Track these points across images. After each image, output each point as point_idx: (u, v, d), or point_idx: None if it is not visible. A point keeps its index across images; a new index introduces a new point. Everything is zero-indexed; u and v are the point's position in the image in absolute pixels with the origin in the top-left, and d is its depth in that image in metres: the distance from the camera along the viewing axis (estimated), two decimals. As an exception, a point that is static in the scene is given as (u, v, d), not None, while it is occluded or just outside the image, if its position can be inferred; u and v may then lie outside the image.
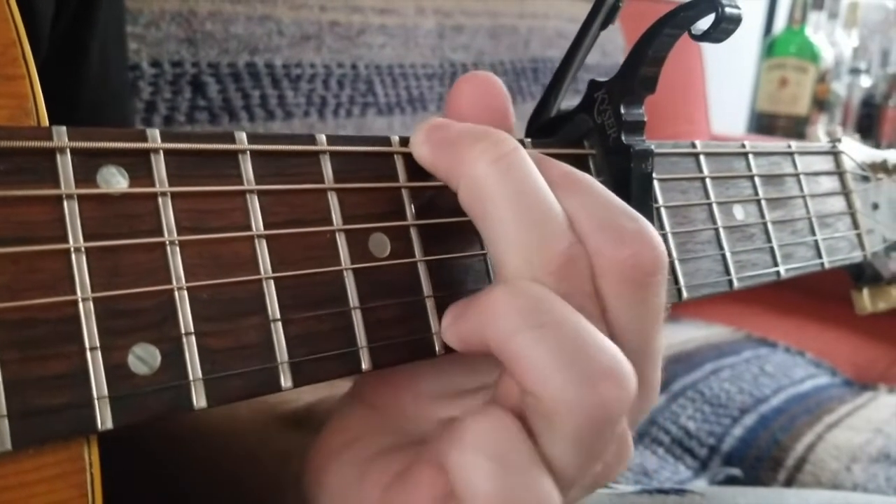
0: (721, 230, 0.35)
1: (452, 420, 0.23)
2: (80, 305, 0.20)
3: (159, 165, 0.22)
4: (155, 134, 0.22)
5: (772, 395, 0.88)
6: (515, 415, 0.23)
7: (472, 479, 0.22)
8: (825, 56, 1.66)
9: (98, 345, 0.20)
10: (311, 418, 0.35)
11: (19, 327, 0.19)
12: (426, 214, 0.26)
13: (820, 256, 0.40)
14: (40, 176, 0.20)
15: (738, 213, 0.36)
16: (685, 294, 0.32)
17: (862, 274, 0.47)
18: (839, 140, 0.45)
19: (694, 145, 0.35)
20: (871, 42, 1.82)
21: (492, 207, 0.24)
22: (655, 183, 0.32)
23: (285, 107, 0.71)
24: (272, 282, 0.23)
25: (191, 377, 0.21)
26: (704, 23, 0.28)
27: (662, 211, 0.33)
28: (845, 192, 0.44)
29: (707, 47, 1.37)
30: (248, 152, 0.23)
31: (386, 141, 0.26)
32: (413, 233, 0.26)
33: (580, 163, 0.30)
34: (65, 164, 0.20)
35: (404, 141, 0.26)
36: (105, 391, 0.20)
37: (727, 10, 0.27)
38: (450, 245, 0.27)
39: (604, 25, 0.30)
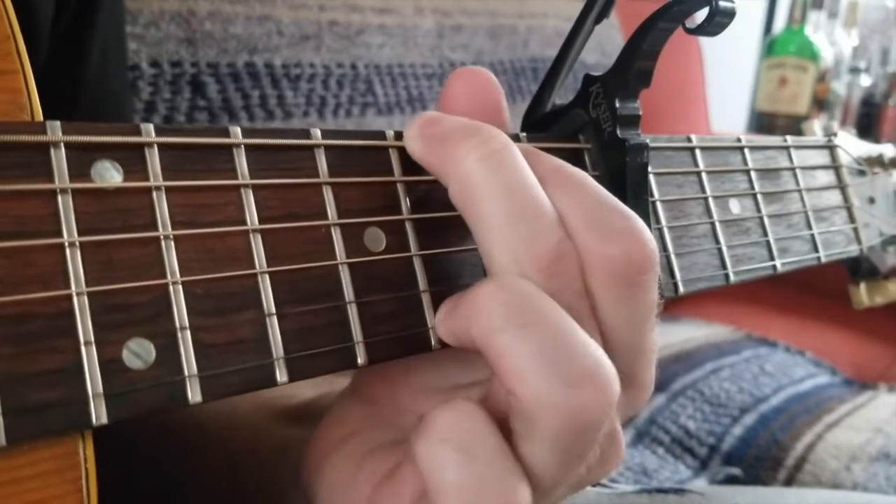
0: (717, 224, 0.35)
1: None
2: (75, 300, 0.20)
3: (153, 159, 0.22)
4: (149, 128, 0.22)
5: (772, 394, 0.88)
6: (502, 412, 0.23)
7: (437, 471, 0.22)
8: (825, 55, 1.66)
9: (92, 339, 0.20)
10: (311, 413, 0.35)
11: (13, 322, 0.19)
12: (422, 208, 0.26)
13: (816, 250, 0.40)
14: (34, 170, 0.20)
15: (735, 207, 0.36)
16: (681, 288, 0.32)
17: (858, 268, 0.47)
18: (835, 134, 0.45)
19: (689, 139, 0.35)
20: (870, 41, 1.82)
21: (480, 204, 0.24)
22: (651, 177, 0.32)
23: (285, 107, 0.71)
24: (267, 276, 0.23)
25: (185, 372, 0.21)
26: (699, 16, 0.28)
27: (658, 205, 0.33)
28: (841, 187, 0.44)
29: (706, 47, 1.37)
30: (242, 146, 0.23)
31: (381, 135, 0.26)
32: (408, 227, 0.26)
33: (575, 157, 0.30)
34: (59, 159, 0.20)
35: (399, 135, 0.26)
36: (100, 386, 0.20)
37: (721, 3, 0.27)
38: (445, 239, 0.27)
39: (598, 20, 0.30)
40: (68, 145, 0.20)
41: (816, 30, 1.68)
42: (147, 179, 0.21)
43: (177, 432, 0.36)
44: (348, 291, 0.24)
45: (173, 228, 0.22)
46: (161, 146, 0.22)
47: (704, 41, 1.32)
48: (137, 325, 0.21)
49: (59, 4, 0.36)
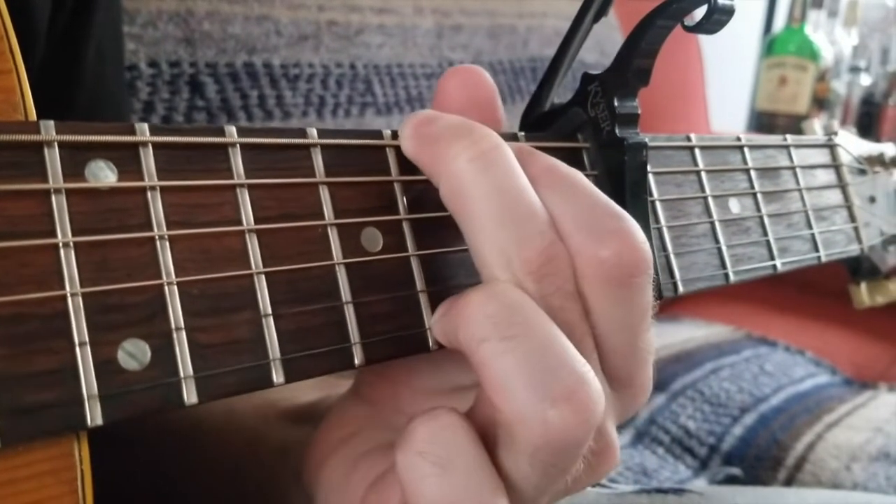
0: (717, 224, 0.35)
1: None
2: (69, 301, 0.20)
3: (148, 159, 0.21)
4: (143, 127, 0.21)
5: (772, 394, 0.88)
6: (489, 418, 0.23)
7: (414, 483, 0.22)
8: (825, 54, 1.66)
9: (87, 340, 0.20)
10: (312, 415, 0.35)
11: (8, 323, 0.19)
12: (419, 208, 0.26)
13: (816, 250, 0.40)
14: (28, 170, 0.20)
15: (734, 206, 0.36)
16: (681, 288, 0.32)
17: (859, 268, 0.47)
18: (835, 133, 0.45)
19: (689, 138, 0.35)
20: (870, 40, 1.82)
21: (470, 204, 0.23)
22: (650, 176, 0.32)
23: (283, 107, 0.71)
24: (263, 276, 0.23)
25: (181, 373, 0.21)
26: (697, 14, 0.28)
27: (658, 204, 0.32)
28: (842, 186, 0.44)
29: (706, 46, 1.37)
30: (237, 145, 0.23)
31: (377, 134, 0.26)
32: (406, 227, 0.26)
33: (574, 156, 0.30)
34: (53, 159, 0.20)
35: (396, 135, 0.26)
36: (95, 387, 0.20)
37: (719, 1, 0.26)
38: (443, 239, 0.27)
39: (596, 18, 0.30)
40: (62, 145, 0.20)
41: (816, 29, 1.68)
42: (142, 179, 0.21)
43: (173, 433, 0.36)
44: (345, 292, 0.24)
45: (168, 228, 0.21)
46: (156, 146, 0.22)
47: (704, 40, 1.32)
48: (133, 326, 0.20)
49: (56, 4, 0.36)
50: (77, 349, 0.19)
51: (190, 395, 0.21)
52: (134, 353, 0.20)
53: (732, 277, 0.34)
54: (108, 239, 0.20)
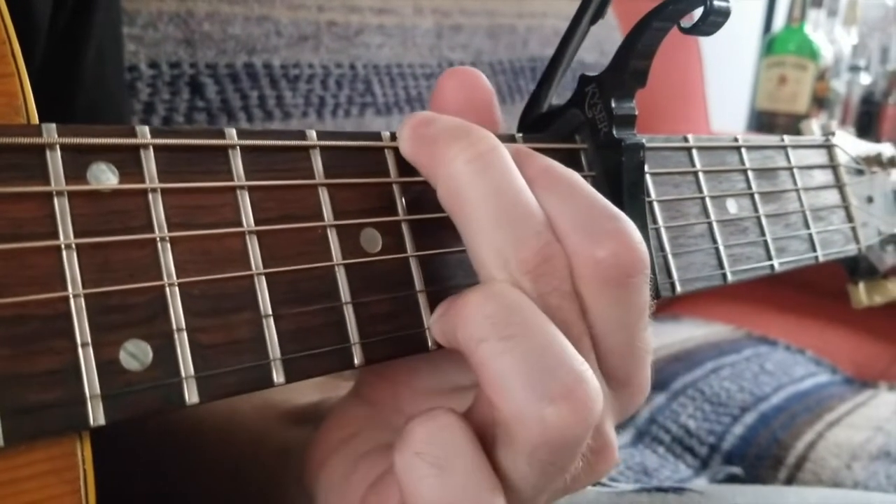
0: (714, 224, 0.35)
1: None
2: (72, 301, 0.20)
3: (149, 162, 0.22)
4: (144, 130, 0.22)
5: (772, 393, 0.88)
6: (488, 417, 0.23)
7: (412, 484, 0.22)
8: (824, 54, 1.66)
9: (89, 341, 0.20)
10: (313, 416, 0.35)
11: (11, 324, 0.19)
12: (417, 209, 0.26)
13: (814, 250, 0.40)
14: (30, 173, 0.20)
15: (732, 206, 0.36)
16: (678, 288, 0.32)
17: (857, 268, 0.47)
18: (833, 133, 0.45)
19: (686, 139, 0.35)
20: (870, 39, 1.82)
21: (468, 206, 0.24)
22: (648, 177, 0.32)
23: (283, 107, 0.71)
24: (263, 277, 0.23)
25: (182, 373, 0.21)
26: (694, 16, 0.28)
27: (655, 205, 0.33)
28: (839, 186, 0.44)
29: (706, 46, 1.37)
30: (237, 148, 0.23)
31: (376, 136, 0.26)
32: (405, 228, 0.26)
33: (571, 157, 0.30)
34: (55, 161, 0.20)
35: (395, 136, 0.26)
36: (97, 387, 0.20)
37: (715, 3, 0.27)
38: (441, 240, 0.27)
39: (594, 20, 0.30)
40: (64, 147, 0.20)
41: (816, 28, 1.68)
42: (143, 181, 0.21)
43: (174, 434, 0.36)
44: (345, 292, 0.24)
45: (169, 230, 0.22)
46: (157, 148, 0.22)
47: (704, 40, 1.32)
48: (134, 327, 0.21)
49: (56, 4, 0.36)
50: (79, 349, 0.20)
51: (191, 395, 0.21)
52: (135, 354, 0.21)
53: (730, 277, 0.34)
54: (109, 241, 0.21)
